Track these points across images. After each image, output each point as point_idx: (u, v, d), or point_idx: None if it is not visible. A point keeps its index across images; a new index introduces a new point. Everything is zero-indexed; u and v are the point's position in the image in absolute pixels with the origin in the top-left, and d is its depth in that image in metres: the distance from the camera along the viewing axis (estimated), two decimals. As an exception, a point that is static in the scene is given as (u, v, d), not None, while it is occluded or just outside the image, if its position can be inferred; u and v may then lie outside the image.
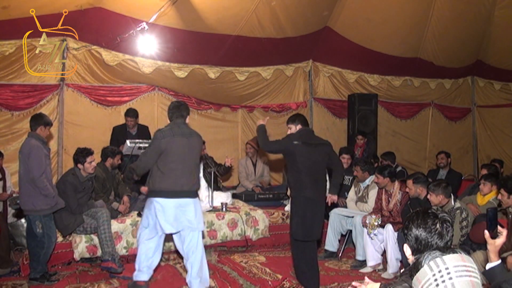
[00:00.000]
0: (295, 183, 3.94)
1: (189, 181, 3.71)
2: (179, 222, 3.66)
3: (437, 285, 1.63)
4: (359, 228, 4.72)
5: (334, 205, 5.41)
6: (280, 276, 4.20)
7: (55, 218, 4.19)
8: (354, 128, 7.26)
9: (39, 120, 4.08)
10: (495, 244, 2.14)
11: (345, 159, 5.73)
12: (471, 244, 3.70)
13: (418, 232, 1.83)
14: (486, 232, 2.16)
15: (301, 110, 7.60)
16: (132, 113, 5.93)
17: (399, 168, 6.42)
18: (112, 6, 5.37)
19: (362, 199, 5.13)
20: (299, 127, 4.01)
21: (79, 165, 4.38)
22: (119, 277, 4.14)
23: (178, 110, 3.84)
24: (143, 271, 3.77)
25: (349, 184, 5.73)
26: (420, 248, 1.82)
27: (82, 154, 4.39)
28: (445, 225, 1.83)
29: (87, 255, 4.49)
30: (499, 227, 2.21)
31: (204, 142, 5.75)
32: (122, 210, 4.83)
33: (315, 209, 3.91)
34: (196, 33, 5.98)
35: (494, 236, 2.17)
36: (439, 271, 1.65)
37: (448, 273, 1.64)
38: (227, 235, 5.09)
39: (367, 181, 5.11)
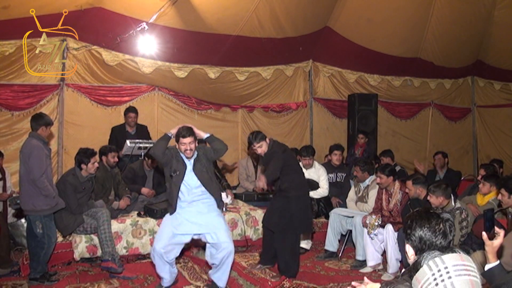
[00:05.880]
0: (297, 183, 4.18)
1: None
2: None
3: (437, 284, 1.63)
4: (359, 228, 4.71)
5: (331, 205, 5.50)
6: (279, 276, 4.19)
7: (55, 218, 4.18)
8: (354, 128, 7.26)
9: (40, 120, 4.07)
10: (492, 245, 2.15)
11: (337, 156, 5.83)
12: (471, 244, 3.70)
13: (422, 232, 1.81)
14: (484, 233, 2.17)
15: (301, 110, 7.62)
16: (133, 109, 5.99)
17: (398, 167, 6.43)
18: (112, 6, 5.38)
19: (362, 199, 5.12)
20: (268, 140, 4.20)
21: (83, 165, 4.32)
22: (119, 277, 4.14)
23: None
24: None
25: (342, 181, 5.75)
26: (424, 248, 1.80)
27: (86, 155, 4.34)
28: (448, 224, 1.83)
29: (87, 255, 4.48)
30: (496, 228, 2.21)
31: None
32: (122, 206, 4.81)
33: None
34: (196, 33, 5.98)
35: (491, 237, 2.17)
36: (438, 271, 1.65)
37: (447, 273, 1.64)
38: (227, 235, 5.08)
39: (367, 181, 5.10)
